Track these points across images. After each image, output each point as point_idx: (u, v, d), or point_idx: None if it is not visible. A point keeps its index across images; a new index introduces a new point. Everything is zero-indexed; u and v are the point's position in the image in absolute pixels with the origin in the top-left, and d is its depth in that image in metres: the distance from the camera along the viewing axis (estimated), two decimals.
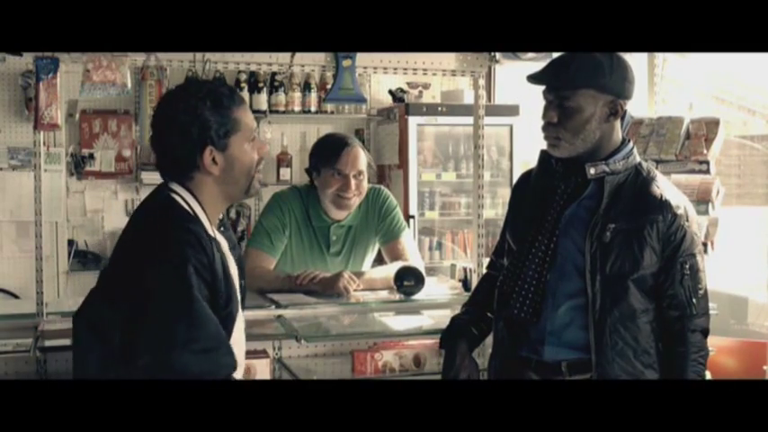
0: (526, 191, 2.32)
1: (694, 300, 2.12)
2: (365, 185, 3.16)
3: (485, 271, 2.57)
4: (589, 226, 2.11)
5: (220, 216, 2.05)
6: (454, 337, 2.35)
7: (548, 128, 2.16)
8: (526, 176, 2.37)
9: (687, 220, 2.13)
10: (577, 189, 2.17)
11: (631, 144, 2.21)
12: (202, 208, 1.93)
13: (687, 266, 2.12)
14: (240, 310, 2.00)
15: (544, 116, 2.17)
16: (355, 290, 2.98)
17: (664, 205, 2.11)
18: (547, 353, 2.17)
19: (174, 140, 1.90)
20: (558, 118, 2.12)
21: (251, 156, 1.96)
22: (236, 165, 1.93)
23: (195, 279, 1.79)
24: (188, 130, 1.87)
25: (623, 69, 2.15)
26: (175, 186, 1.93)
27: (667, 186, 2.19)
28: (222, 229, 2.06)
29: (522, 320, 2.19)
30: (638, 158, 2.21)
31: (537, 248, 2.18)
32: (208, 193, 1.94)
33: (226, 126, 1.90)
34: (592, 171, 2.14)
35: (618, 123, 2.18)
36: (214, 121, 1.88)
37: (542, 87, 2.18)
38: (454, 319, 2.41)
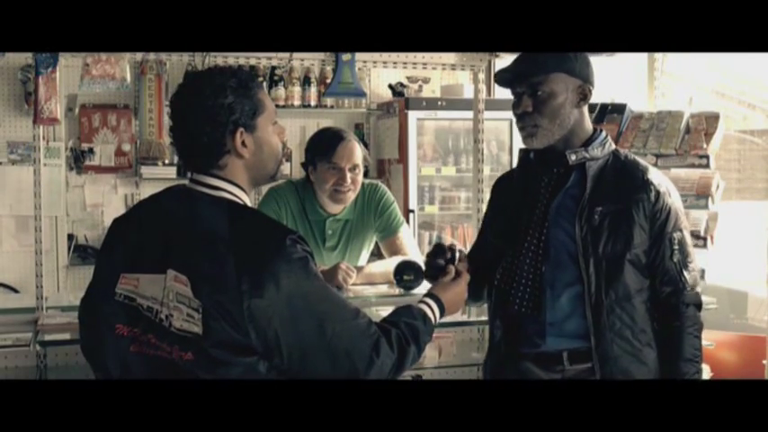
0: (509, 190, 2.35)
1: (685, 273, 2.15)
2: (360, 179, 3.16)
3: None
4: (576, 212, 2.14)
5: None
6: None
7: (524, 118, 2.20)
8: (508, 176, 2.42)
9: (670, 197, 2.18)
10: (560, 180, 2.20)
11: (604, 133, 2.25)
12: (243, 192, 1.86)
13: (676, 242, 2.15)
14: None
15: (517, 108, 2.20)
16: (354, 282, 2.99)
17: (646, 184, 2.15)
18: (548, 344, 2.17)
19: (202, 125, 1.81)
20: (533, 106, 2.17)
21: (276, 139, 1.90)
22: (264, 148, 1.86)
23: None
24: (218, 112, 1.79)
25: (585, 57, 2.22)
26: (217, 182, 1.83)
27: (647, 167, 2.23)
28: None
29: (522, 315, 2.19)
30: (613, 145, 2.25)
31: (529, 242, 2.19)
32: (239, 179, 1.86)
33: (253, 107, 1.84)
34: (573, 157, 2.17)
35: (587, 111, 2.23)
36: (242, 102, 1.82)
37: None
38: None
